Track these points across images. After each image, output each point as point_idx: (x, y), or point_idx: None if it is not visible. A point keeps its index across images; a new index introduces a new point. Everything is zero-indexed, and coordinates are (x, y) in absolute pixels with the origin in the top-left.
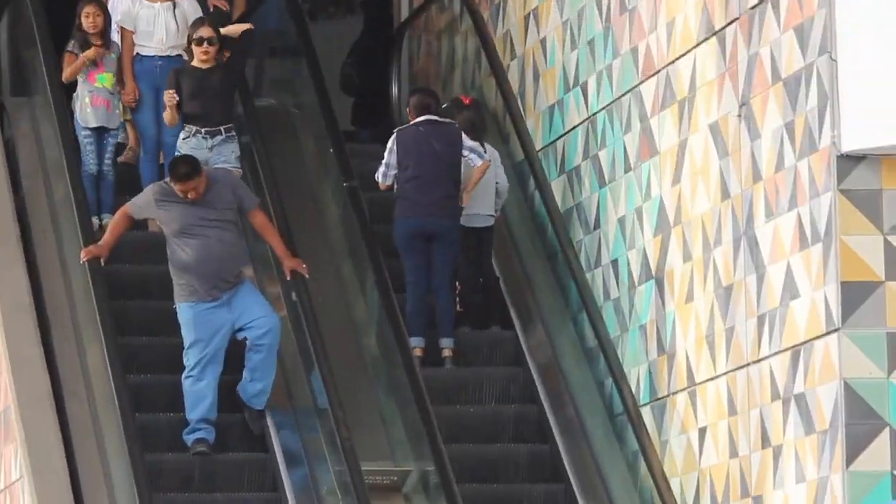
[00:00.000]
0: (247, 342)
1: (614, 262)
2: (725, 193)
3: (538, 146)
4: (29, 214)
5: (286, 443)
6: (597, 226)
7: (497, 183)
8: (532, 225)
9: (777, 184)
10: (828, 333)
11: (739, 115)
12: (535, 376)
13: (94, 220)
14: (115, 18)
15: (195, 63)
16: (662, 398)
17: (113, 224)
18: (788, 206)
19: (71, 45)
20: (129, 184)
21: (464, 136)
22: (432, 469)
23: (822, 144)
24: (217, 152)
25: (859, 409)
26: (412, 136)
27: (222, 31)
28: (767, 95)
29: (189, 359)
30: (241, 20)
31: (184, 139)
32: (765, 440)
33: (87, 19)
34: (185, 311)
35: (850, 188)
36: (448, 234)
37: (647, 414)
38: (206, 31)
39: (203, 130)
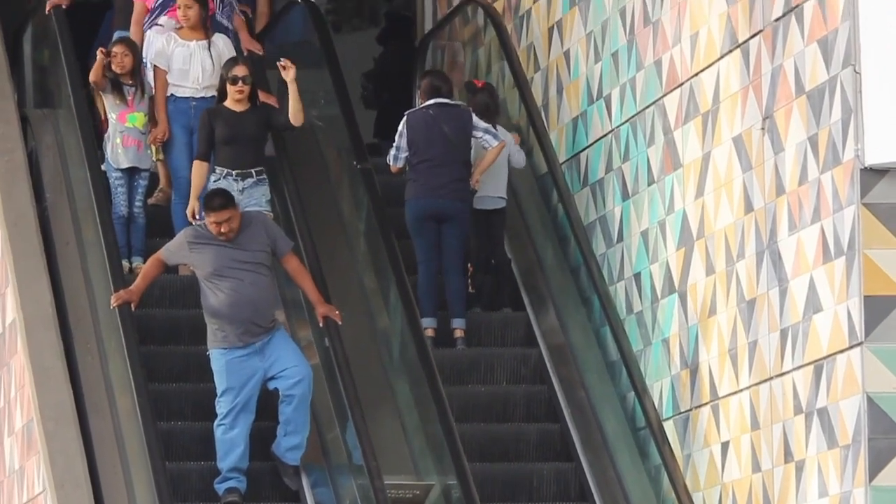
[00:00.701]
0: (279, 394)
1: (637, 276)
2: (749, 207)
3: (561, 159)
4: (52, 226)
5: (320, 496)
6: (620, 239)
7: (510, 162)
8: (543, 207)
9: (800, 197)
10: (851, 347)
11: (763, 129)
12: (546, 357)
13: (125, 263)
14: (149, 57)
15: (229, 104)
16: (685, 412)
17: (145, 270)
18: (812, 219)
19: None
20: (159, 226)
21: (475, 118)
22: (455, 483)
23: (846, 158)
24: (248, 195)
25: (882, 423)
26: (422, 118)
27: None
28: (791, 108)
29: (221, 407)
30: (263, 33)
31: (214, 181)
32: (787, 454)
33: (115, 59)
34: (217, 359)
35: (873, 202)
36: (458, 215)
37: (669, 428)
38: (240, 70)
39: (234, 173)
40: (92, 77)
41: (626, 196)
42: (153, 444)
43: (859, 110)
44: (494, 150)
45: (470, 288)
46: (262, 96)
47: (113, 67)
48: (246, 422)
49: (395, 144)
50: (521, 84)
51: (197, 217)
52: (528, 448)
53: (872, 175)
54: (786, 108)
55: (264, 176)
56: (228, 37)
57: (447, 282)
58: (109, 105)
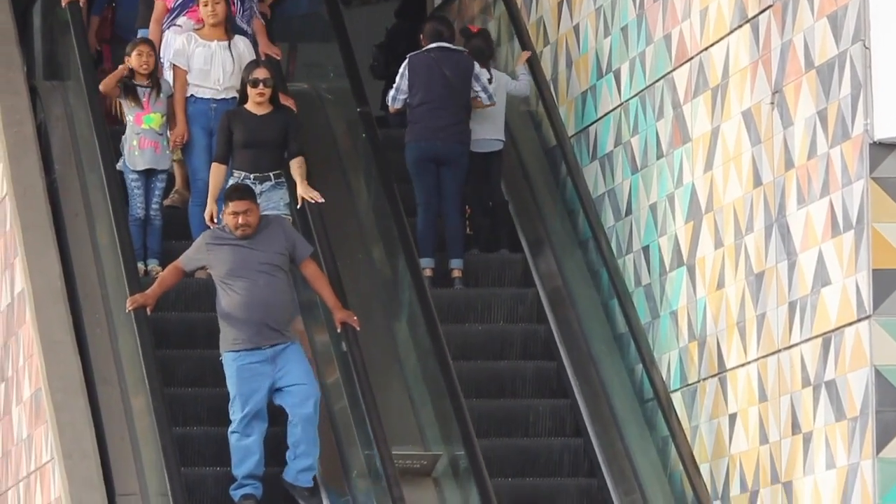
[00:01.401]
0: (287, 415)
1: (646, 249)
2: (758, 180)
3: (570, 132)
4: (61, 198)
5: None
6: (629, 212)
7: (513, 93)
8: (540, 151)
9: (809, 171)
10: (859, 320)
11: (772, 103)
12: (543, 298)
13: (140, 265)
14: (168, 56)
15: (249, 107)
16: (693, 384)
17: (162, 277)
18: (820, 193)
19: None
20: (175, 228)
21: (477, 67)
22: (462, 453)
23: (855, 132)
24: (266, 198)
25: (890, 395)
26: (423, 62)
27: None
28: (800, 83)
29: (233, 413)
30: (273, 6)
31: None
32: (795, 427)
33: (140, 58)
34: (228, 364)
35: (882, 176)
36: (457, 158)
37: (677, 400)
38: (261, 73)
39: (252, 176)
40: (103, 88)
41: (634, 169)
42: (169, 449)
43: (868, 85)
44: (483, 103)
45: (468, 229)
46: (282, 98)
47: (135, 66)
48: (259, 429)
49: (395, 85)
50: (531, 58)
51: (215, 220)
52: (524, 385)
53: (881, 149)
54: (795, 82)
55: (283, 179)
56: (243, 34)
57: (446, 223)
58: (125, 108)
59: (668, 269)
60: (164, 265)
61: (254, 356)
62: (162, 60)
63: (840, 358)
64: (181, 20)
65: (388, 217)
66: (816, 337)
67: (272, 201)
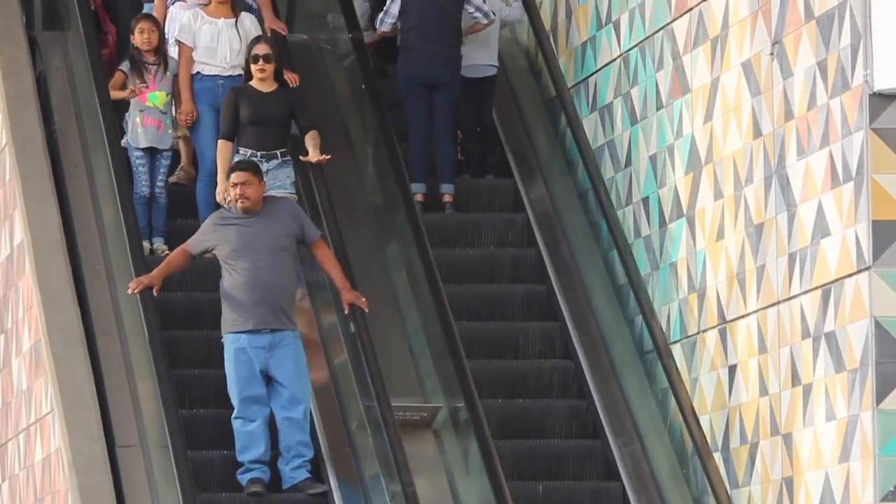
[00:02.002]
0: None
1: (645, 200)
2: (757, 132)
3: (570, 83)
4: (60, 149)
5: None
6: (628, 163)
7: (508, 20)
8: (531, 78)
9: (809, 122)
10: (858, 272)
11: (772, 54)
12: (533, 222)
13: (146, 244)
14: (173, 32)
15: (254, 84)
16: (693, 336)
17: (169, 258)
18: (820, 144)
19: (123, 65)
20: (181, 206)
21: None
22: (462, 405)
23: (855, 83)
24: (272, 176)
25: (890, 347)
26: None
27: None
28: (800, 34)
29: (232, 397)
30: None
31: None
32: (795, 378)
33: (142, 35)
34: (227, 346)
35: (882, 127)
36: (448, 83)
37: (677, 351)
38: (262, 49)
39: (258, 154)
40: (112, 96)
41: (634, 121)
42: (175, 433)
43: (868, 36)
44: (481, 26)
45: (459, 155)
46: (285, 74)
47: (139, 44)
48: (262, 414)
49: (385, 9)
50: (531, 9)
51: (226, 198)
52: (513, 308)
53: (881, 100)
54: (795, 33)
55: (289, 158)
56: (252, 15)
57: (437, 148)
58: (130, 84)
59: (667, 221)
60: (169, 243)
61: (252, 340)
62: (168, 36)
63: (840, 309)
64: None
65: (382, 145)
66: (816, 288)
67: (279, 179)
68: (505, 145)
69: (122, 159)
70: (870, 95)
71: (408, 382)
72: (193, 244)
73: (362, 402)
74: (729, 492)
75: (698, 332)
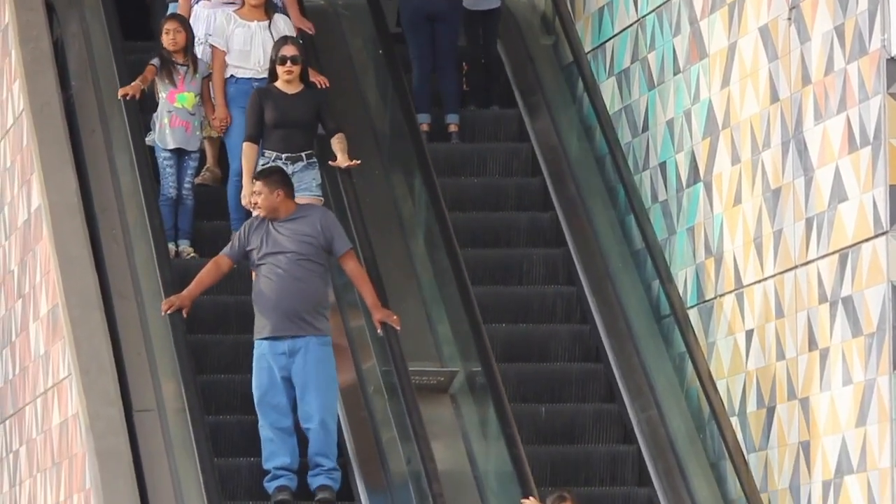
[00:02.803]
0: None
1: (662, 165)
2: (774, 96)
3: (587, 48)
4: (77, 114)
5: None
6: (645, 128)
7: None
8: (533, 6)
9: (826, 87)
10: (876, 236)
11: (789, 19)
12: (537, 152)
13: (171, 246)
14: (198, 33)
15: (280, 85)
16: (710, 300)
17: (200, 275)
18: (837, 109)
19: (155, 60)
20: (206, 207)
21: None
22: (479, 370)
23: (872, 48)
24: (298, 179)
25: None
26: None
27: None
28: None
29: (256, 405)
30: None
31: (263, 164)
32: (812, 343)
33: (168, 36)
34: (255, 351)
35: None
36: (450, 14)
37: (694, 316)
38: (289, 50)
39: (283, 156)
40: (127, 91)
41: (651, 85)
42: (202, 441)
43: (886, 1)
44: None
45: (464, 86)
46: (312, 75)
47: (165, 45)
48: (284, 422)
49: None
50: None
51: (252, 201)
52: (518, 235)
53: None
54: None
55: (315, 160)
56: (277, 10)
57: (441, 79)
58: (159, 84)
59: (684, 186)
60: (195, 246)
61: (272, 346)
62: (198, 36)
63: (857, 274)
64: None
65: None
66: (833, 253)
67: (304, 182)
68: (510, 77)
69: (160, 223)
70: (887, 60)
71: (425, 347)
72: (231, 252)
73: (380, 367)
74: (746, 456)
75: (715, 297)
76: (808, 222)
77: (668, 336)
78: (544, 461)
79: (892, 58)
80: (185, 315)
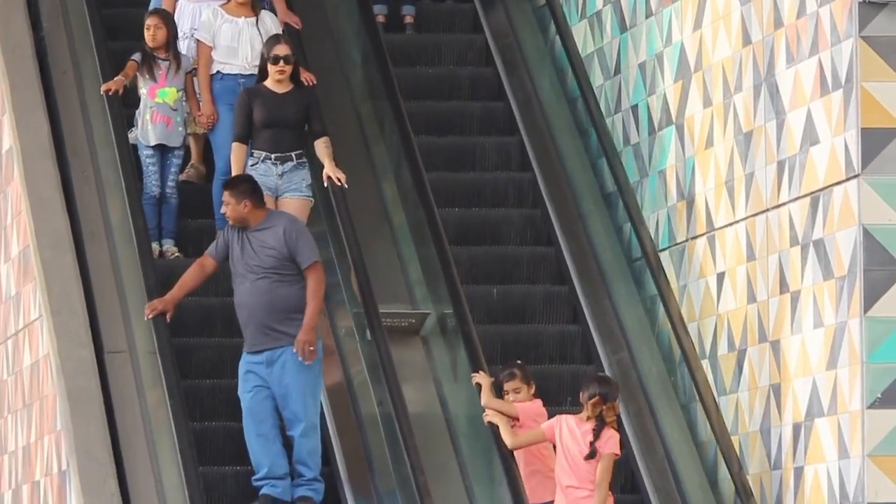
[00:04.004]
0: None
1: (634, 108)
2: (747, 39)
3: None
4: (49, 56)
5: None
6: (617, 71)
7: None
8: (539, 34)
9: (798, 30)
10: (847, 179)
11: None
12: (491, 44)
13: (154, 246)
14: (183, 27)
15: (269, 84)
16: (681, 243)
17: (183, 279)
18: (809, 52)
19: (136, 55)
20: (190, 205)
21: None
22: (450, 312)
23: None
24: (287, 179)
25: (878, 255)
26: None
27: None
28: None
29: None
30: None
31: (252, 165)
32: (783, 285)
33: (149, 32)
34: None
35: (871, 35)
36: None
37: (665, 259)
38: (282, 49)
39: (273, 156)
40: (109, 86)
41: (623, 28)
42: (185, 447)
43: None
44: None
45: None
46: (302, 73)
47: (147, 41)
48: (269, 431)
49: None
50: None
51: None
52: (471, 123)
53: (871, 8)
54: None
55: (304, 160)
56: (264, 7)
57: None
58: (140, 80)
59: (656, 129)
60: (179, 245)
61: (251, 358)
62: (183, 31)
63: (828, 217)
64: None
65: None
66: (805, 196)
67: (293, 182)
68: None
69: (143, 223)
70: (859, 3)
71: (396, 289)
72: (215, 252)
73: (351, 310)
74: (716, 398)
75: (687, 240)
76: (780, 165)
77: (639, 279)
78: (495, 340)
79: (865, 1)
80: (168, 319)
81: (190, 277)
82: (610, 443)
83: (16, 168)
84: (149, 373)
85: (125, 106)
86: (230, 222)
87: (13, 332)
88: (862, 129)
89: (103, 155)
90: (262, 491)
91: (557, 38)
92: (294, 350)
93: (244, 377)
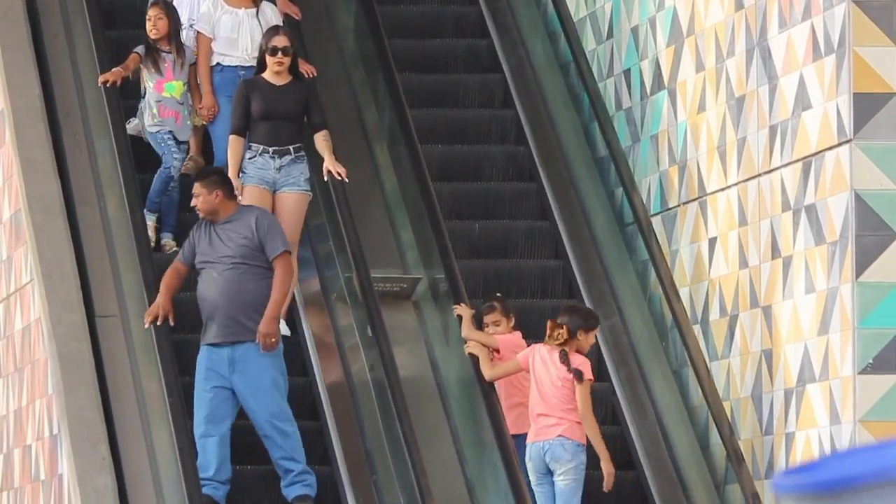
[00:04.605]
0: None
1: (627, 72)
2: (739, 4)
3: None
4: (41, 18)
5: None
6: (610, 35)
7: None
8: (533, 3)
9: None
10: (840, 144)
11: None
12: (484, 8)
13: (150, 222)
14: (185, 16)
15: (268, 76)
16: (673, 208)
17: (165, 280)
18: (802, 16)
19: (139, 48)
20: (188, 197)
21: None
22: (442, 277)
23: None
24: (285, 173)
25: (870, 220)
26: None
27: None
28: None
29: (195, 410)
30: None
31: (249, 159)
32: (774, 250)
33: (150, 23)
34: (199, 355)
35: (864, 0)
36: None
37: (657, 224)
38: (281, 41)
39: (270, 150)
40: (107, 77)
41: None
42: (177, 410)
43: None
44: None
45: None
46: (300, 64)
47: (148, 32)
48: (217, 432)
49: None
50: None
51: (240, 196)
52: (455, 62)
53: None
54: None
55: (303, 153)
56: (272, 4)
57: None
58: (145, 73)
59: (648, 93)
60: (177, 239)
61: (214, 353)
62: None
63: (820, 182)
64: None
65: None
66: (797, 161)
67: (292, 176)
68: None
69: (142, 218)
70: None
71: (388, 254)
72: (182, 257)
73: (342, 274)
74: (708, 364)
75: (679, 205)
76: (772, 130)
77: (631, 243)
78: (477, 275)
79: None
80: (171, 322)
81: (170, 279)
82: (583, 369)
83: (7, 131)
84: (140, 337)
85: (123, 98)
86: (201, 215)
87: (4, 295)
88: (854, 94)
89: (94, 117)
90: (205, 491)
91: (550, 1)
92: (257, 341)
93: (205, 375)
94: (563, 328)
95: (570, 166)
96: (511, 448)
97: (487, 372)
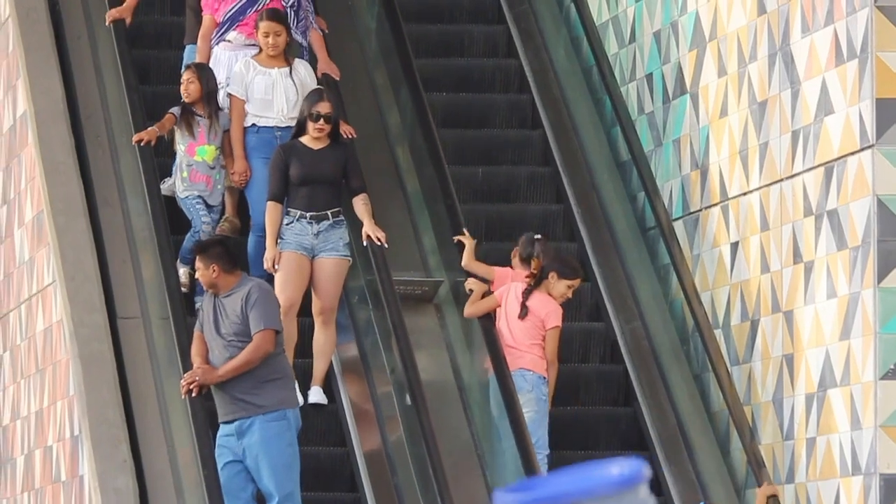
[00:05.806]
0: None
1: (649, 77)
2: (762, 8)
3: None
4: (63, 19)
5: None
6: (632, 39)
7: None
8: (556, 7)
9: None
10: (862, 150)
11: None
12: (504, 5)
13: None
14: (219, 76)
15: (306, 140)
16: (695, 213)
17: (195, 348)
18: (825, 21)
19: (175, 109)
20: None
21: None
22: (463, 279)
23: None
24: (323, 239)
25: (892, 225)
26: None
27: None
28: None
29: None
30: None
31: (287, 224)
32: (796, 256)
33: (182, 86)
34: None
35: (887, 4)
36: None
37: (679, 228)
38: (324, 107)
39: (308, 215)
40: (142, 136)
41: None
42: (198, 413)
43: None
44: None
45: None
46: (341, 126)
47: (182, 95)
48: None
49: None
50: None
51: (275, 267)
52: (461, 13)
53: None
54: None
55: (342, 218)
56: (303, 56)
57: None
58: (178, 135)
59: (671, 97)
60: None
61: (224, 428)
62: (219, 80)
63: (842, 187)
64: (231, 35)
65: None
66: (819, 166)
67: (330, 241)
68: None
69: (177, 282)
70: None
71: (409, 257)
72: (198, 324)
73: (364, 276)
74: (729, 368)
75: (701, 209)
76: (794, 135)
77: (653, 248)
78: (480, 218)
79: None
80: (204, 390)
81: (199, 348)
82: (552, 316)
83: (30, 132)
84: (161, 339)
85: (156, 155)
86: (204, 287)
87: (27, 297)
88: (877, 99)
89: (117, 119)
90: None
91: (572, 5)
92: (260, 417)
93: (218, 451)
94: (538, 260)
95: (593, 171)
96: (533, 455)
97: (468, 309)
